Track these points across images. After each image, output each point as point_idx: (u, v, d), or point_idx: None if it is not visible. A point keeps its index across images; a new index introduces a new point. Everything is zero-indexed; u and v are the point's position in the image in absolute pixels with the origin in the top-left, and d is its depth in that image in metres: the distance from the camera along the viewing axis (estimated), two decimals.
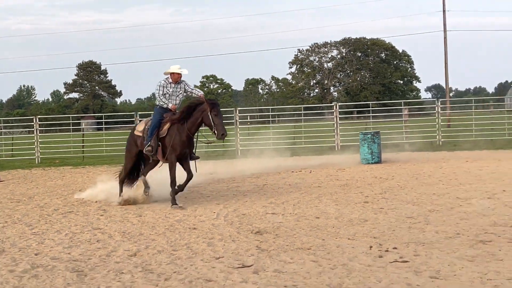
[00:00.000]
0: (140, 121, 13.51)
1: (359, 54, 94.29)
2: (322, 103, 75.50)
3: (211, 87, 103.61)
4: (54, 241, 9.20)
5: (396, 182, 14.89)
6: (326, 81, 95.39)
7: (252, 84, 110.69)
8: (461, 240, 8.18)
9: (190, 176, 12.29)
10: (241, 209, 11.52)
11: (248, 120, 33.88)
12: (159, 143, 12.35)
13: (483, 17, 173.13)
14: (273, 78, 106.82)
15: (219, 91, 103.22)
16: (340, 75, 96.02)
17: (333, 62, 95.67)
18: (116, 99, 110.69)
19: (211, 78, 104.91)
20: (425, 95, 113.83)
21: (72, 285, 6.73)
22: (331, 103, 34.09)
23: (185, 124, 12.20)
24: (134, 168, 13.30)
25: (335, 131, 28.02)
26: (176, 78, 12.63)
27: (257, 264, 7.32)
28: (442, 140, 27.91)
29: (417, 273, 6.67)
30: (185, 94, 12.88)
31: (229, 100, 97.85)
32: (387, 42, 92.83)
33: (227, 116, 30.91)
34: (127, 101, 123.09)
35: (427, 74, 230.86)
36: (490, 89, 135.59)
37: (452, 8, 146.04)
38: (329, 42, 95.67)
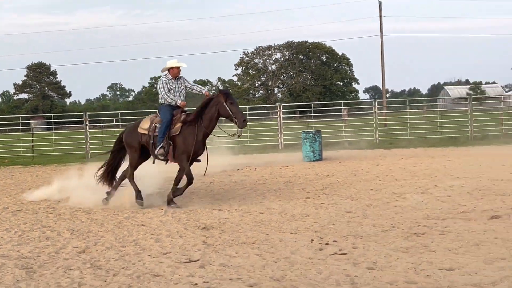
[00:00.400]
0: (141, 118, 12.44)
1: (301, 57, 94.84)
2: (267, 104, 75.68)
3: None
4: (4, 239, 8.96)
5: (336, 178, 15.04)
6: (270, 83, 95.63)
7: (200, 85, 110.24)
8: (396, 233, 8.31)
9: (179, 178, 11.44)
10: (188, 206, 11.46)
11: None
12: (170, 142, 11.36)
13: (418, 23, 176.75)
14: (219, 79, 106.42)
15: None
16: (284, 77, 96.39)
17: (276, 64, 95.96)
18: (65, 100, 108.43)
19: (159, 79, 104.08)
20: (363, 96, 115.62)
21: (21, 282, 6.57)
22: (275, 103, 34.26)
23: (201, 123, 11.29)
24: (116, 167, 12.41)
25: (279, 130, 28.22)
26: (176, 73, 11.77)
27: (204, 258, 7.29)
28: (379, 138, 28.36)
29: (355, 264, 6.75)
30: (186, 89, 11.99)
31: None
32: (327, 45, 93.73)
33: None
34: (77, 101, 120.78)
35: (365, 76, 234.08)
36: (424, 90, 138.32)
37: (388, 14, 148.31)
38: (273, 45, 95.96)
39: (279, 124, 28.15)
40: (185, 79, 11.96)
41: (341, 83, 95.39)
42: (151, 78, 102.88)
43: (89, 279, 6.61)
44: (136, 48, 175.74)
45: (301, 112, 43.93)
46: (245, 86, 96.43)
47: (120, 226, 9.76)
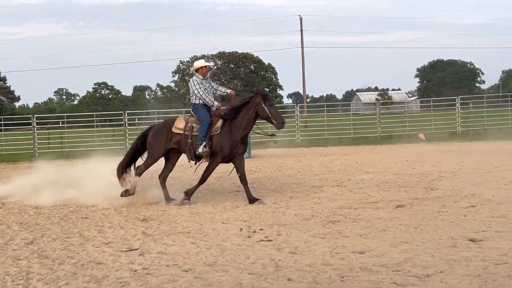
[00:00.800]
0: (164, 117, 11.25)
1: (232, 66, 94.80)
2: None
3: (103, 92, 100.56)
4: None
5: (263, 173, 15.11)
6: None
7: (140, 90, 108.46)
8: (315, 221, 8.41)
9: (244, 177, 10.56)
10: (129, 200, 11.21)
11: (136, 122, 33.35)
12: (210, 141, 10.44)
13: (334, 36, 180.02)
14: (158, 85, 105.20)
15: (110, 96, 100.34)
16: (216, 83, 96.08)
17: (210, 72, 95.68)
18: (14, 103, 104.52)
19: (102, 85, 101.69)
20: (287, 101, 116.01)
21: None
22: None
23: (240, 123, 10.42)
24: (130, 164, 11.21)
25: None
26: (205, 72, 10.79)
27: (143, 247, 7.18)
28: (300, 138, 28.68)
29: (279, 249, 6.79)
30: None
31: (119, 104, 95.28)
32: (255, 56, 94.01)
33: (118, 118, 30.28)
34: (25, 105, 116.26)
35: (288, 83, 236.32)
36: (339, 96, 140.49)
37: (309, 29, 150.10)
38: (206, 54, 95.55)
39: None
40: (211, 80, 11.07)
41: (268, 89, 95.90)
42: (95, 84, 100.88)
43: (36, 268, 6.40)
44: (81, 56, 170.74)
45: None
46: (181, 91, 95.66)
47: (66, 219, 9.49)
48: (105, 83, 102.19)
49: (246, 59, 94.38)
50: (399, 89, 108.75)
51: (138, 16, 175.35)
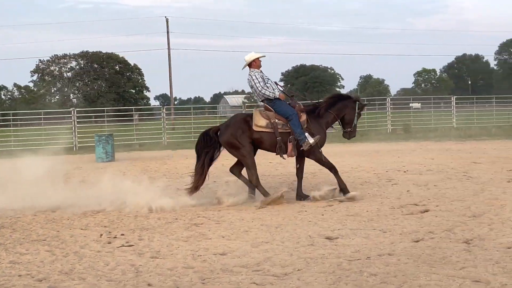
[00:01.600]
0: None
1: (96, 66, 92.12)
2: (62, 109, 72.29)
3: None
4: None
5: (126, 177, 14.77)
6: (66, 89, 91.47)
7: None
8: (178, 224, 8.40)
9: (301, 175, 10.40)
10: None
11: None
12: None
13: (201, 39, 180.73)
14: (15, 85, 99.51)
15: None
16: (79, 83, 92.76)
17: (72, 72, 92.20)
18: None
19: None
20: (154, 103, 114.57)
21: None
22: (70, 108, 32.89)
23: (325, 117, 10.14)
24: (205, 164, 10.84)
25: (73, 134, 27.17)
26: (259, 65, 10.17)
27: None
28: (167, 141, 28.47)
29: (140, 254, 6.69)
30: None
31: None
32: (120, 56, 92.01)
33: None
34: None
35: (156, 85, 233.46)
36: (207, 99, 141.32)
37: (176, 30, 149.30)
38: (68, 54, 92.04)
39: (73, 127, 27.12)
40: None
41: (134, 91, 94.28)
42: None
43: None
44: None
45: (96, 117, 42.58)
46: (41, 92, 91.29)
47: None
48: None
49: (110, 59, 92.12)
50: None
51: None
